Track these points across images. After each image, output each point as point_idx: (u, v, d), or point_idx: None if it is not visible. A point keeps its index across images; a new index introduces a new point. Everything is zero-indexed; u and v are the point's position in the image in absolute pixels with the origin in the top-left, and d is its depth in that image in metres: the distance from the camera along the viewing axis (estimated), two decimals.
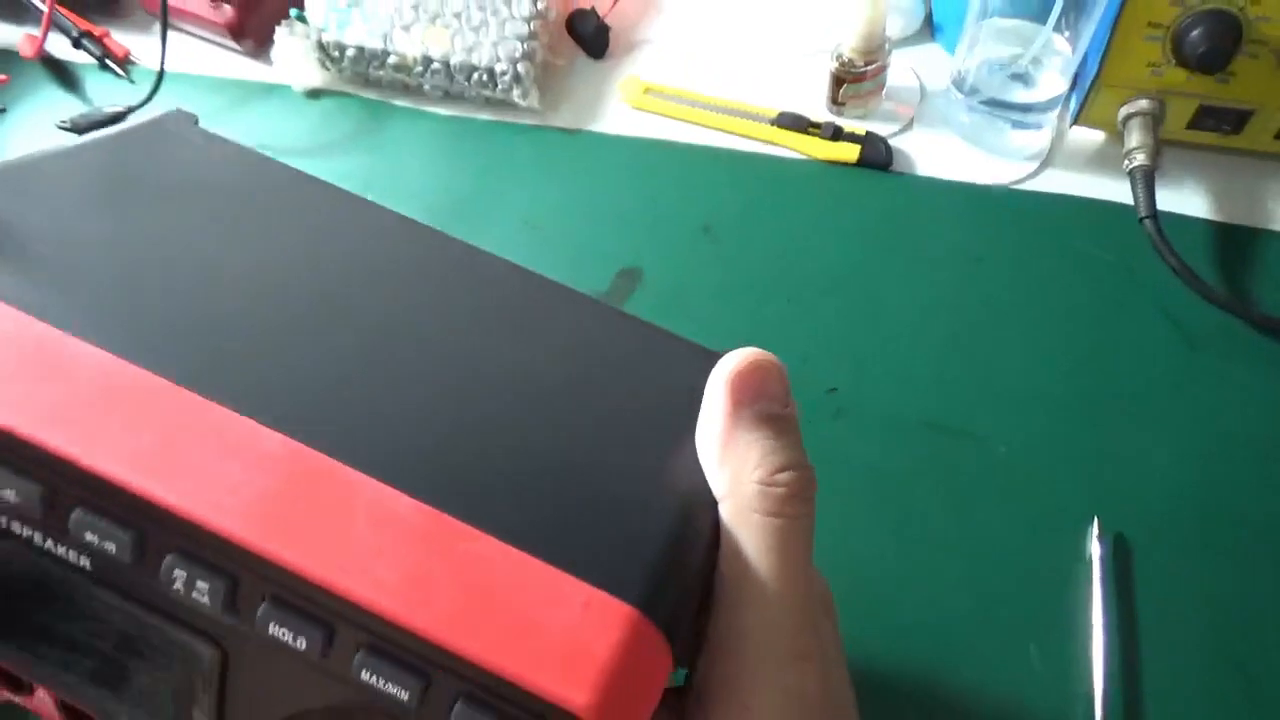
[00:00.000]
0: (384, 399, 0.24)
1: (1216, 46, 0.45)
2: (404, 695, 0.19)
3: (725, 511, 0.23)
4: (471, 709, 0.19)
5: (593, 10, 0.59)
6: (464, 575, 0.20)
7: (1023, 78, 0.52)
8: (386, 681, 0.19)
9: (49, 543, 0.21)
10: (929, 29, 0.59)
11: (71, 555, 0.21)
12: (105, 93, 0.60)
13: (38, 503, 0.21)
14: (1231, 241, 0.50)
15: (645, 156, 0.55)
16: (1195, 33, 0.45)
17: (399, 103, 0.58)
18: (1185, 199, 0.51)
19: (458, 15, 0.56)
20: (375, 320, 0.27)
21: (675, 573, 0.22)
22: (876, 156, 0.53)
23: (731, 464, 0.23)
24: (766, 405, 0.24)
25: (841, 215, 0.52)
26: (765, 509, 0.23)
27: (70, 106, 0.59)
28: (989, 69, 0.52)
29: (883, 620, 0.40)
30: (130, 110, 0.57)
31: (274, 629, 0.20)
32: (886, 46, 0.53)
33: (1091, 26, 0.48)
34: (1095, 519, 0.42)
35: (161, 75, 0.56)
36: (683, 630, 0.22)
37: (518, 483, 0.23)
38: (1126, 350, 0.47)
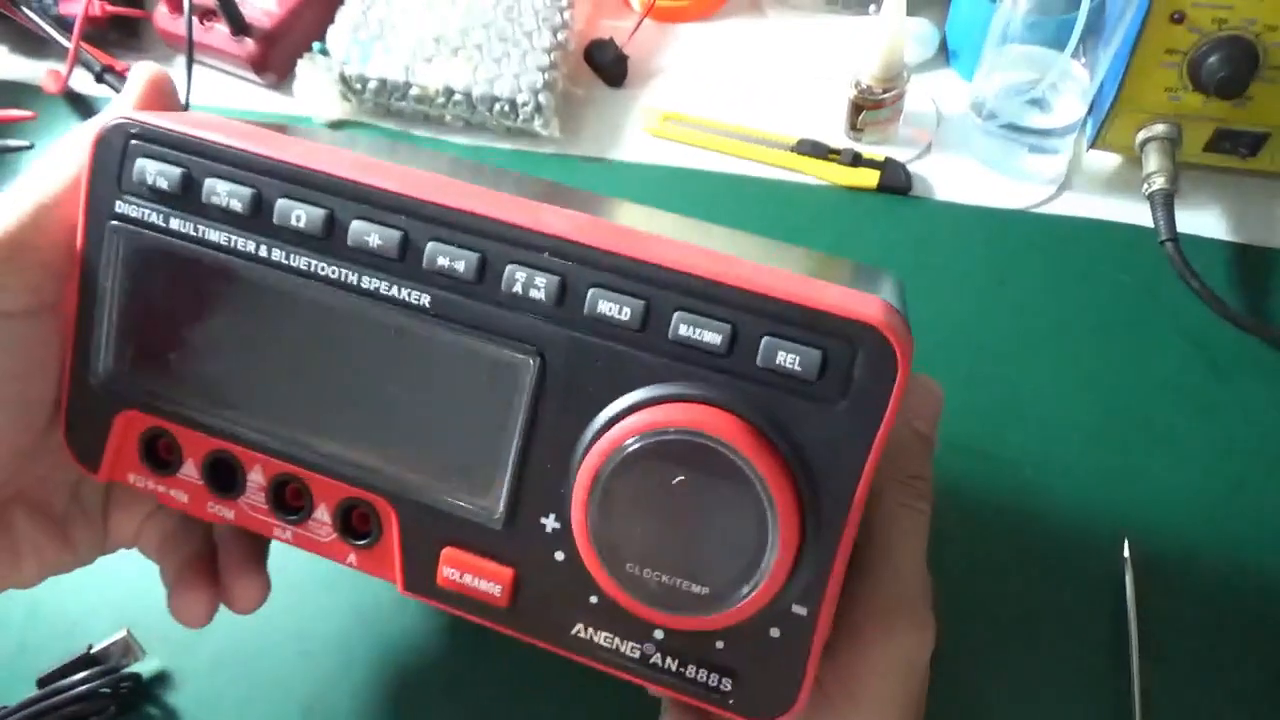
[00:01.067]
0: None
1: (1234, 72, 0.46)
2: (716, 341, 0.23)
3: (885, 488, 0.29)
4: (776, 340, 0.23)
5: (611, 40, 0.59)
6: (748, 266, 0.24)
7: (1040, 103, 0.52)
8: (701, 332, 0.24)
9: (395, 288, 0.26)
10: (944, 55, 0.59)
11: (414, 296, 0.26)
12: None
13: (396, 245, 0.25)
14: (1252, 263, 0.50)
15: (666, 184, 0.56)
16: (1213, 59, 0.46)
17: (420, 133, 0.59)
18: (1204, 221, 0.52)
19: (479, 47, 0.56)
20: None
21: (897, 300, 0.26)
22: (896, 181, 0.54)
23: (898, 456, 0.30)
24: (921, 424, 0.32)
25: (863, 240, 0.53)
26: (901, 499, 0.29)
27: None
28: (1007, 94, 0.52)
29: None
30: None
31: (602, 306, 0.24)
32: (904, 73, 0.53)
33: (1109, 53, 0.48)
34: (1126, 540, 0.42)
35: (186, 108, 0.57)
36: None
37: (761, 259, 0.28)
38: (1150, 372, 0.47)
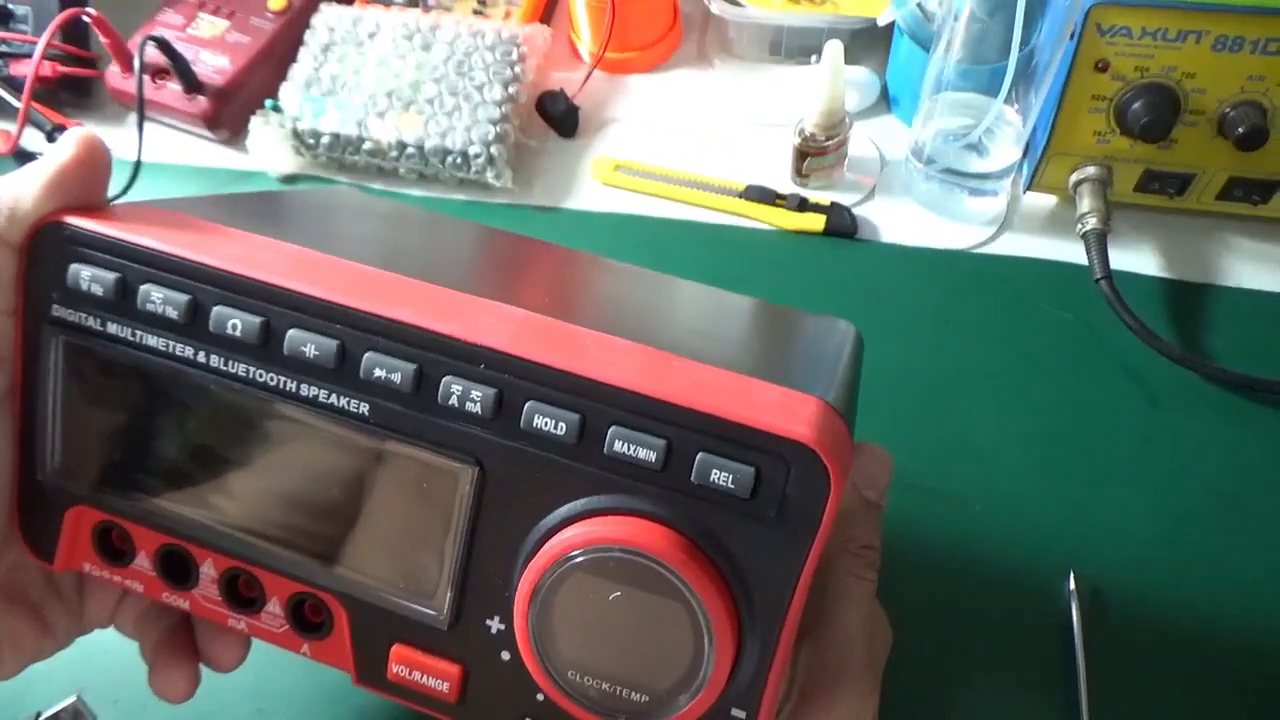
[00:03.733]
0: (591, 308, 0.32)
1: (1157, 117, 0.48)
2: (651, 457, 0.24)
3: (834, 558, 0.31)
4: (711, 457, 0.23)
5: (562, 92, 0.61)
6: (683, 373, 0.24)
7: (977, 147, 0.54)
8: (636, 448, 0.24)
9: (334, 397, 0.26)
10: (885, 101, 0.61)
11: (353, 404, 0.26)
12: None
13: (333, 355, 0.25)
14: (1184, 297, 0.52)
15: (618, 231, 0.57)
16: (1137, 105, 0.48)
17: (374, 186, 0.59)
18: (1137, 258, 0.53)
19: (430, 101, 0.57)
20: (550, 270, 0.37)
21: (843, 394, 0.26)
22: (842, 225, 0.55)
23: (849, 526, 0.31)
24: (871, 492, 0.33)
25: (811, 282, 0.54)
26: (850, 569, 0.31)
27: None
28: (944, 139, 0.54)
29: None
30: (110, 201, 0.57)
31: (538, 421, 0.24)
32: (847, 120, 0.55)
33: (1040, 99, 0.50)
34: (1071, 572, 0.43)
35: (139, 166, 0.57)
36: (851, 422, 0.26)
37: (710, 341, 0.30)
38: (1091, 406, 0.48)
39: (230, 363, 0.26)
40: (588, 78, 0.61)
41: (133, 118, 0.61)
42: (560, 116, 0.60)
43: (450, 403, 0.25)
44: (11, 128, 0.60)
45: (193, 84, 0.59)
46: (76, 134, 0.28)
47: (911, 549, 0.44)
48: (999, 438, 0.48)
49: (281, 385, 0.26)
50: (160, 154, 0.61)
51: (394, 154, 0.57)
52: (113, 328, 0.27)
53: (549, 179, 0.59)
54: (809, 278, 0.54)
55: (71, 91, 0.62)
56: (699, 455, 0.24)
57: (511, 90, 0.58)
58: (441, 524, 0.26)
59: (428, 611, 0.27)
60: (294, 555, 0.28)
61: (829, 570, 0.31)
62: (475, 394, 0.25)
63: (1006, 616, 0.42)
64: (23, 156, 0.61)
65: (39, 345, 0.28)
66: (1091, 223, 0.51)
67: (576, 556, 0.24)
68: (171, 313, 0.26)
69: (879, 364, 0.50)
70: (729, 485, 0.23)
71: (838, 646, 0.30)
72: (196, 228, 0.28)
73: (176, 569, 0.30)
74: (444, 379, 0.25)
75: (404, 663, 0.28)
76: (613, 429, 0.24)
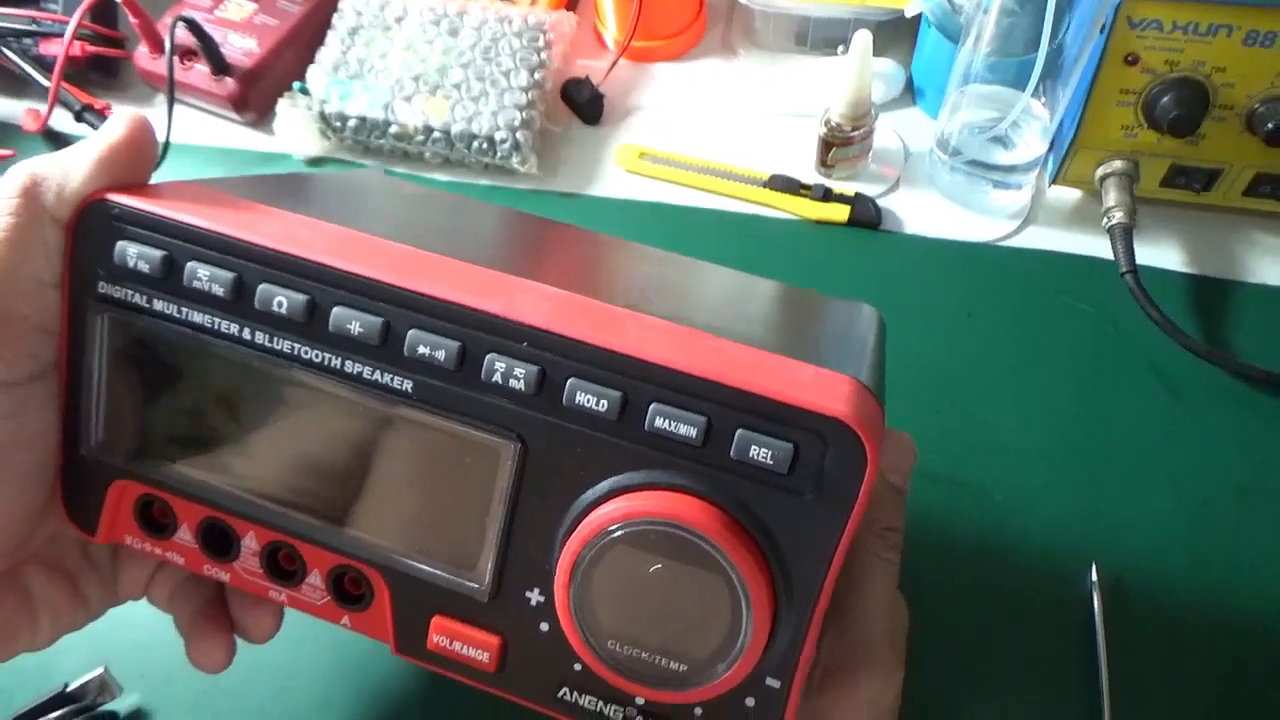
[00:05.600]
0: (622, 288, 0.33)
1: (1186, 112, 0.48)
2: (692, 433, 0.24)
3: (858, 539, 0.30)
4: (750, 433, 0.24)
5: (587, 79, 0.61)
6: (720, 351, 0.25)
7: (1003, 140, 0.54)
8: (676, 424, 0.24)
9: (378, 374, 0.26)
10: (910, 94, 0.61)
11: (397, 381, 0.26)
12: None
13: (378, 332, 0.26)
14: (1208, 293, 0.52)
15: (641, 219, 0.57)
16: (1166, 99, 0.48)
17: (399, 170, 0.59)
18: (1162, 254, 0.53)
19: (457, 86, 0.57)
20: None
21: (873, 376, 0.27)
22: (866, 215, 0.55)
23: (873, 509, 0.31)
24: (896, 477, 0.34)
25: (835, 272, 0.54)
26: (874, 550, 0.31)
27: None
28: (970, 132, 0.54)
29: None
30: None
31: (580, 398, 0.25)
32: (872, 111, 0.55)
33: (1068, 92, 0.50)
34: (1094, 564, 0.43)
35: (167, 146, 0.57)
36: (882, 403, 0.27)
37: (741, 322, 0.30)
38: (1114, 399, 0.48)
39: (275, 339, 0.27)
40: (613, 65, 0.61)
41: (159, 98, 0.61)
42: (585, 104, 0.60)
43: (494, 380, 0.25)
44: (41, 107, 0.60)
45: (221, 66, 0.59)
46: (126, 114, 0.29)
47: (933, 539, 0.44)
48: (1021, 430, 0.48)
49: (326, 362, 0.26)
50: (186, 135, 0.61)
51: (420, 138, 0.57)
52: (159, 305, 0.27)
53: (573, 166, 0.59)
54: (832, 268, 0.54)
55: (100, 72, 0.63)
56: (738, 432, 0.24)
57: (538, 76, 0.58)
58: (483, 498, 0.27)
59: (469, 584, 0.28)
60: (336, 529, 0.28)
61: (853, 552, 0.31)
62: (518, 371, 0.25)
63: (1027, 607, 0.43)
64: (52, 136, 0.62)
65: (84, 321, 0.28)
66: (1118, 216, 0.51)
67: (616, 530, 0.24)
68: (217, 290, 0.26)
69: (901, 354, 0.50)
70: (768, 461, 0.24)
71: (862, 625, 0.30)
72: (239, 206, 0.28)
73: (218, 542, 0.30)
74: (487, 356, 0.25)
75: (445, 633, 0.28)
76: (653, 405, 0.24)
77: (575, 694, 0.28)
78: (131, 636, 0.42)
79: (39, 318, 0.28)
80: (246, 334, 0.27)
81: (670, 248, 0.56)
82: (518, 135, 0.56)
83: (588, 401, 0.25)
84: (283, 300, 0.26)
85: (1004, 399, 0.49)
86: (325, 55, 0.59)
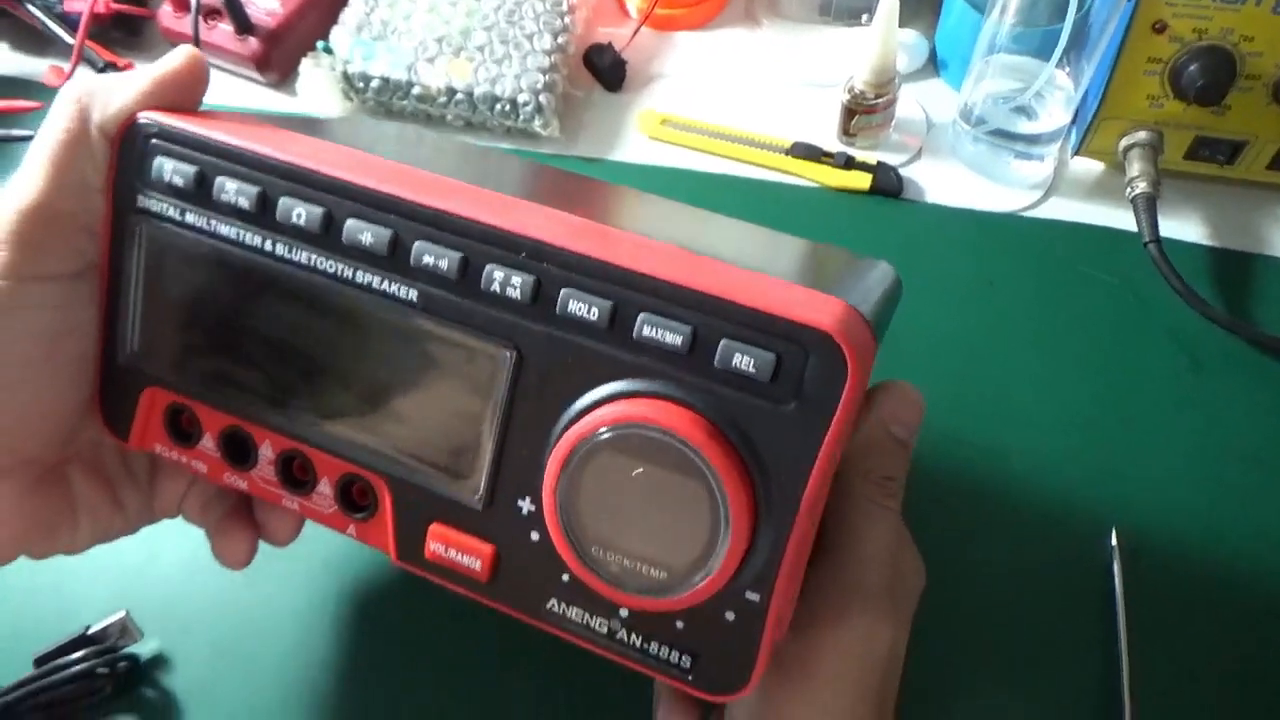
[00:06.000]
0: (628, 222, 0.33)
1: (1213, 81, 0.47)
2: (677, 342, 0.25)
3: (854, 485, 0.31)
4: (734, 343, 0.24)
5: (610, 45, 0.61)
6: (712, 269, 0.25)
7: (1026, 110, 0.54)
8: (663, 333, 0.25)
9: (386, 283, 0.28)
10: (933, 65, 0.61)
11: (404, 291, 0.27)
12: None
13: (386, 243, 0.27)
14: (1230, 266, 0.52)
15: (663, 185, 0.57)
16: (1193, 67, 0.48)
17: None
18: (1184, 226, 0.53)
19: (481, 49, 0.57)
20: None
21: (871, 309, 0.27)
22: (888, 184, 0.55)
23: (871, 457, 0.32)
24: (899, 429, 0.33)
25: (856, 240, 0.54)
26: (871, 496, 0.31)
27: None
28: (994, 102, 0.54)
29: None
30: None
31: (572, 306, 0.26)
32: (896, 80, 0.55)
33: (1093, 62, 0.50)
34: (1114, 530, 0.43)
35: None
36: (881, 338, 0.27)
37: (745, 256, 0.30)
38: (1134, 369, 0.48)
39: (294, 250, 0.28)
40: (636, 32, 0.61)
41: None
42: (607, 69, 0.60)
43: (492, 289, 0.26)
44: (65, 64, 0.60)
45: (244, 25, 0.59)
46: (184, 50, 0.31)
47: (950, 504, 0.44)
48: (1040, 397, 0.48)
49: (340, 272, 0.28)
50: (209, 95, 0.61)
51: (443, 100, 0.57)
52: (190, 218, 0.29)
53: (595, 130, 0.59)
54: (853, 236, 0.54)
55: (124, 30, 0.63)
56: (722, 341, 0.25)
57: (561, 40, 0.58)
58: (481, 407, 0.28)
59: (465, 489, 0.29)
60: (344, 435, 0.30)
61: (849, 498, 0.31)
62: (515, 280, 0.26)
63: (1046, 572, 0.43)
64: None
65: (125, 231, 0.30)
66: (1141, 186, 0.50)
67: (602, 434, 0.25)
68: (244, 202, 0.28)
69: (922, 322, 0.51)
70: (750, 370, 0.24)
71: (855, 570, 0.30)
72: (267, 129, 0.30)
73: (238, 450, 0.32)
74: (487, 267, 0.26)
75: (441, 540, 0.29)
76: (642, 315, 0.25)
77: (563, 605, 0.29)
78: (153, 584, 0.43)
79: (86, 219, 0.30)
80: (269, 245, 0.28)
81: None
82: (540, 98, 0.56)
83: (580, 310, 0.26)
84: (302, 212, 0.28)
85: (1024, 367, 0.49)
86: (349, 15, 0.59)
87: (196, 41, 0.58)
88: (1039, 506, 0.44)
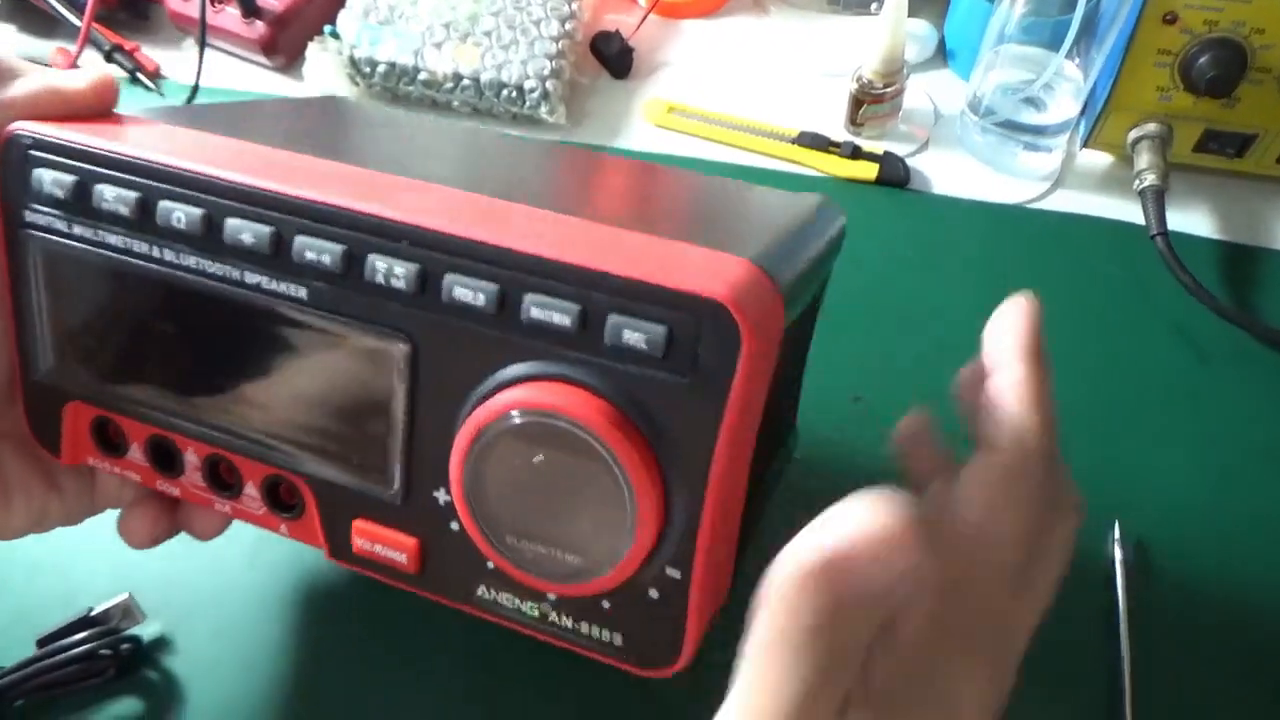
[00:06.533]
0: (540, 189, 0.33)
1: (1224, 73, 0.47)
2: (566, 322, 0.24)
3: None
4: (622, 318, 0.23)
5: (617, 33, 0.60)
6: (602, 240, 0.24)
7: (1035, 102, 0.54)
8: (550, 314, 0.24)
9: (274, 282, 0.27)
10: (942, 55, 0.61)
11: (292, 289, 0.27)
12: (137, 106, 0.61)
13: (268, 241, 0.26)
14: (1238, 260, 0.52)
15: None
16: (1203, 59, 0.48)
17: (427, 117, 0.59)
18: (1192, 219, 0.53)
19: (488, 34, 0.57)
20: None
21: (782, 259, 0.26)
22: (895, 174, 0.55)
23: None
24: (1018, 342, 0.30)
25: (863, 230, 0.53)
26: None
27: None
28: (1003, 92, 0.54)
29: None
30: None
31: (458, 293, 0.25)
32: (904, 70, 0.54)
33: (1103, 53, 0.50)
34: (1116, 523, 0.43)
35: (196, 89, 0.57)
36: (797, 294, 0.26)
37: (659, 216, 0.30)
38: (1141, 362, 0.48)
39: (181, 255, 0.27)
40: (643, 20, 0.61)
41: (188, 41, 0.61)
42: (614, 57, 0.60)
43: (377, 280, 0.25)
44: (71, 47, 0.60)
45: (251, 9, 0.59)
46: (93, 73, 0.30)
47: None
48: None
49: (228, 274, 0.27)
50: (214, 79, 0.61)
51: (449, 85, 0.57)
52: (78, 229, 0.28)
53: (601, 118, 0.59)
54: (859, 226, 0.53)
55: (130, 12, 0.63)
56: (610, 317, 0.24)
57: (568, 27, 0.58)
58: (385, 401, 0.27)
59: (382, 484, 0.28)
60: (255, 436, 0.30)
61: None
62: (399, 270, 0.25)
63: None
64: None
65: (18, 247, 0.29)
66: (1150, 179, 0.50)
67: (498, 422, 0.25)
68: (124, 210, 0.27)
69: (927, 314, 0.50)
70: (641, 346, 0.23)
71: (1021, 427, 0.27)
72: (144, 127, 0.29)
73: (165, 458, 0.32)
74: (369, 258, 0.25)
75: (365, 536, 0.29)
76: (528, 297, 0.24)
77: (493, 592, 0.29)
78: (156, 567, 0.43)
79: None
80: (156, 252, 0.28)
81: None
82: (547, 85, 0.56)
83: (466, 296, 0.25)
84: (182, 215, 0.27)
85: None
86: (356, 0, 0.59)
87: (204, 25, 0.58)
88: None
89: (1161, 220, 0.49)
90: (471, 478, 0.26)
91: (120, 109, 0.62)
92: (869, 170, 0.55)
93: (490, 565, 0.28)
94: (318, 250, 0.26)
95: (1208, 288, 0.49)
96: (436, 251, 0.25)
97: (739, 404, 0.23)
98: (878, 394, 0.47)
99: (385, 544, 0.29)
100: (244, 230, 0.26)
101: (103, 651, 0.40)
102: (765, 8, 0.64)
